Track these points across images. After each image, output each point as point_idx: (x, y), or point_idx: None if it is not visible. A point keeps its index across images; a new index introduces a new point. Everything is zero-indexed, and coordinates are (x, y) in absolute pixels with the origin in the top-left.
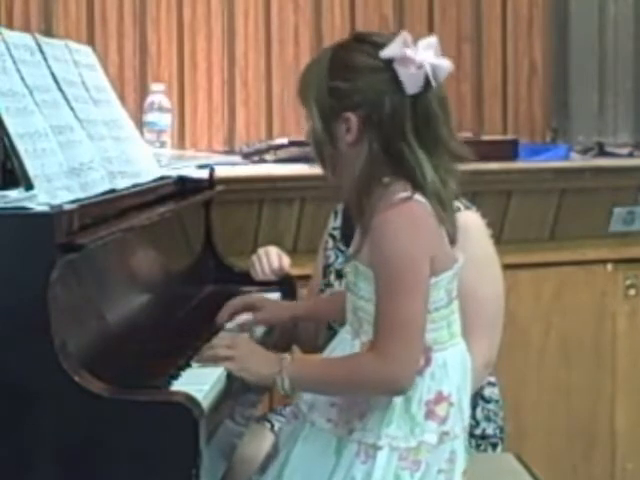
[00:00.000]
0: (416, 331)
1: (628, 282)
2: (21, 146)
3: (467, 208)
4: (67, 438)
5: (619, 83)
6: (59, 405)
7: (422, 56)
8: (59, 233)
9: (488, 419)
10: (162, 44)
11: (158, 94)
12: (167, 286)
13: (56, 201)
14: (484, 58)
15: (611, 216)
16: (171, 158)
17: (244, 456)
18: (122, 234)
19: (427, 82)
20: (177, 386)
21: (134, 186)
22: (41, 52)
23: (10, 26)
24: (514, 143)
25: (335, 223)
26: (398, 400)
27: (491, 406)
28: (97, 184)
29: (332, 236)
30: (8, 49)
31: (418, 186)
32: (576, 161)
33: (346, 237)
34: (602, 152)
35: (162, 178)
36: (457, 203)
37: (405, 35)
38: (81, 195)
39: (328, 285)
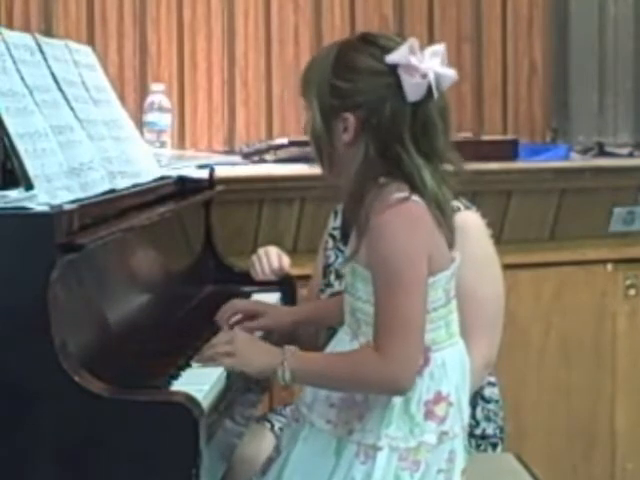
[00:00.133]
0: (415, 330)
1: (628, 282)
2: (21, 146)
3: (467, 208)
4: (67, 438)
5: (619, 83)
6: (59, 405)
7: (427, 64)
8: (59, 233)
9: (488, 419)
10: (162, 44)
11: (158, 94)
12: (167, 286)
13: (56, 201)
14: (484, 58)
15: (611, 216)
16: (171, 158)
17: (244, 456)
18: (122, 234)
19: (429, 91)
20: (177, 386)
21: (134, 186)
22: (41, 52)
23: (10, 26)
24: (514, 143)
25: (335, 223)
26: (397, 400)
27: (491, 406)
28: (97, 184)
29: (332, 236)
30: (8, 49)
31: (417, 190)
32: (576, 161)
33: (346, 237)
34: (602, 152)
35: (162, 178)
36: (457, 203)
37: (412, 42)
38: (81, 195)
39: (328, 285)
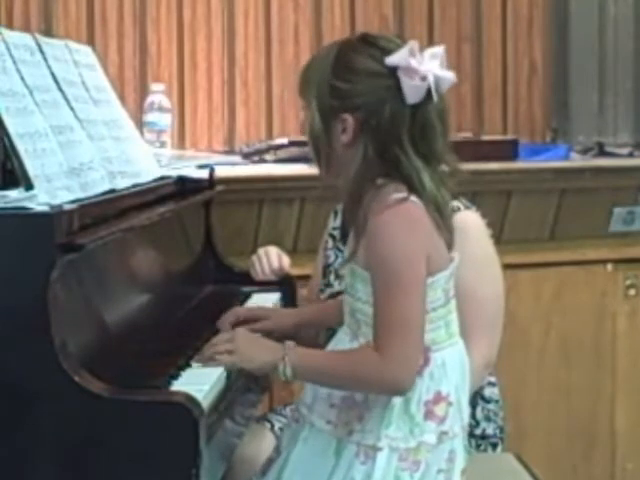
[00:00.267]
0: (415, 331)
1: (628, 282)
2: (21, 146)
3: (467, 208)
4: (67, 438)
5: (619, 83)
6: (59, 405)
7: (427, 67)
8: (59, 233)
9: (488, 419)
10: (162, 44)
11: (158, 94)
12: (167, 286)
13: (56, 201)
14: (484, 58)
15: (611, 216)
16: (171, 158)
17: (244, 456)
18: (122, 234)
19: (429, 93)
20: (177, 386)
21: (134, 186)
22: (41, 52)
23: (10, 26)
24: (514, 143)
25: (335, 223)
26: (397, 401)
27: (491, 406)
28: (97, 184)
29: (332, 236)
30: (8, 49)
31: (416, 192)
32: (576, 161)
33: (346, 237)
34: (602, 152)
35: (162, 178)
36: (457, 203)
37: (412, 44)
38: (81, 195)
39: (328, 285)
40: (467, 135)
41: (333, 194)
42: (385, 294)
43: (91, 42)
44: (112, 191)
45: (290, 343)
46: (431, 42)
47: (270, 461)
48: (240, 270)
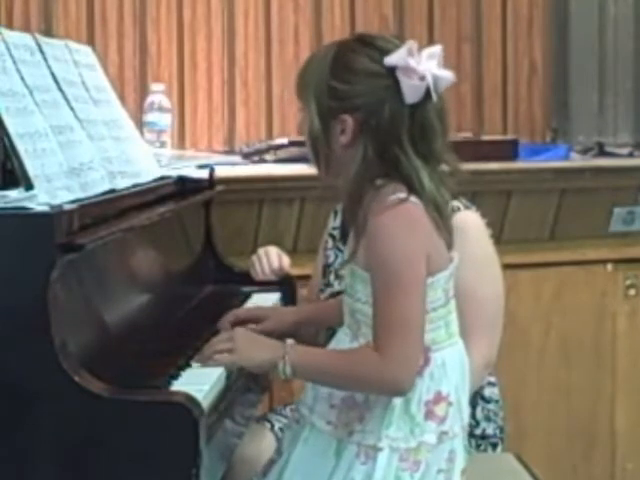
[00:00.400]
0: (415, 331)
1: (628, 282)
2: (21, 146)
3: (467, 208)
4: (67, 438)
5: (619, 83)
6: (59, 405)
7: (425, 66)
8: (59, 233)
9: (488, 419)
10: (162, 44)
11: (158, 94)
12: (167, 286)
13: (56, 201)
14: (484, 58)
15: (611, 216)
16: (171, 158)
17: (244, 456)
18: (122, 234)
19: (427, 93)
20: (177, 386)
21: (134, 186)
22: (41, 52)
23: (10, 26)
24: (514, 143)
25: (335, 223)
26: (397, 401)
27: (491, 406)
28: (97, 184)
29: (332, 236)
30: (8, 49)
31: (415, 192)
32: (576, 161)
33: (346, 237)
34: (602, 152)
35: (162, 178)
36: (457, 203)
37: (411, 44)
38: (81, 195)
39: (328, 285)
40: (467, 135)
41: (333, 194)
42: (385, 294)
43: (91, 42)
44: (112, 191)
45: (290, 341)
46: (431, 42)
47: (271, 462)
48: (240, 270)
